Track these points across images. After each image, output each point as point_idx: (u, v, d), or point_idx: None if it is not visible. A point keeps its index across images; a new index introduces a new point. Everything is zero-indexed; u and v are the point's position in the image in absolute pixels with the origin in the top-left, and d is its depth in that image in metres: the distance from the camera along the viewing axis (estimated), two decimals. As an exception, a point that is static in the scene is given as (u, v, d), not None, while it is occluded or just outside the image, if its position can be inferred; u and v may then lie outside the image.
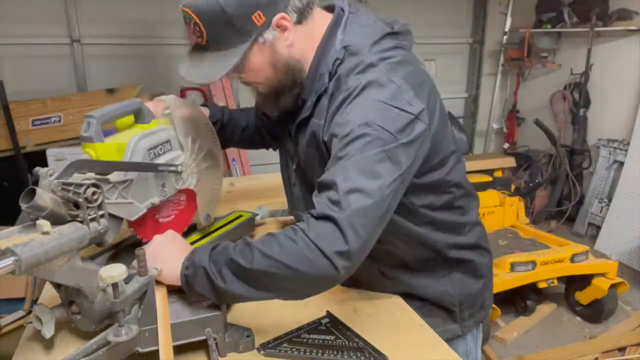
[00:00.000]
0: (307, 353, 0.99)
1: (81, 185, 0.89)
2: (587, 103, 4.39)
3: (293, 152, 1.21)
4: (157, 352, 0.88)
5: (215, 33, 0.99)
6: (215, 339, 0.95)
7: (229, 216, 1.47)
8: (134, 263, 0.98)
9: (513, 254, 2.97)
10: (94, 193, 0.91)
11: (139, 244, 1.24)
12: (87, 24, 4.10)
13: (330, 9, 1.12)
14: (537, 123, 4.45)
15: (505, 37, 5.08)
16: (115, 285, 0.91)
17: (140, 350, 0.92)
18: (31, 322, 0.97)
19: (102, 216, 0.94)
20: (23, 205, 0.86)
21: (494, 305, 2.60)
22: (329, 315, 1.12)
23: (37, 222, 0.86)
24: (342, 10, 1.09)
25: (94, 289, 0.93)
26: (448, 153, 1.11)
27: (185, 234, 1.33)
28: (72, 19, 4.04)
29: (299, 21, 1.04)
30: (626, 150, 4.02)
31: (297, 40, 1.04)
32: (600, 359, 2.69)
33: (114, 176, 1.01)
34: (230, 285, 0.91)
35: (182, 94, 3.94)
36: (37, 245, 0.82)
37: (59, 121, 3.48)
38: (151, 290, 0.94)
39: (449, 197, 1.14)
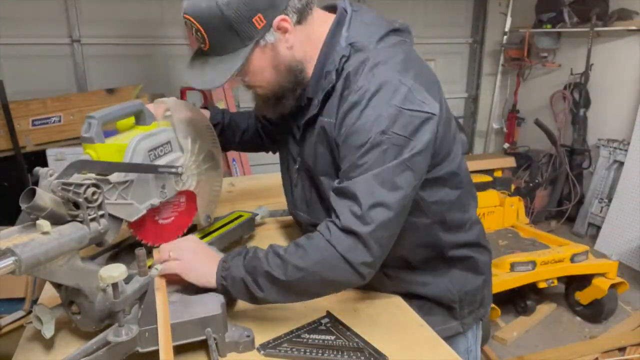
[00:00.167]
0: (307, 353, 0.99)
1: (81, 185, 0.89)
2: (587, 103, 4.39)
3: (296, 152, 1.21)
4: (157, 352, 0.88)
5: (217, 38, 1.00)
6: (215, 339, 0.95)
7: (229, 216, 1.47)
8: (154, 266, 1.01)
9: (513, 254, 2.97)
10: (94, 193, 0.91)
11: (139, 244, 1.24)
12: (87, 24, 4.11)
13: (331, 9, 1.13)
14: (537, 123, 4.45)
15: (505, 37, 5.08)
16: (115, 286, 0.91)
17: (140, 350, 0.92)
18: (31, 322, 0.97)
19: (102, 216, 0.94)
20: (23, 205, 0.86)
21: (494, 305, 2.61)
22: (329, 315, 1.12)
23: (37, 222, 0.86)
24: (345, 10, 1.10)
25: (94, 289, 0.93)
26: (453, 146, 1.13)
27: (186, 234, 1.33)
28: (72, 19, 4.05)
29: (299, 21, 1.04)
30: (626, 150, 4.02)
31: (297, 41, 1.05)
32: (600, 359, 2.69)
33: (114, 177, 1.01)
34: (267, 294, 1.00)
35: (183, 94, 3.94)
36: (37, 245, 0.82)
37: (59, 121, 3.48)
38: (151, 290, 0.94)
39: (457, 193, 1.15)
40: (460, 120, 5.60)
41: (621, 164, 4.09)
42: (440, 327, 1.16)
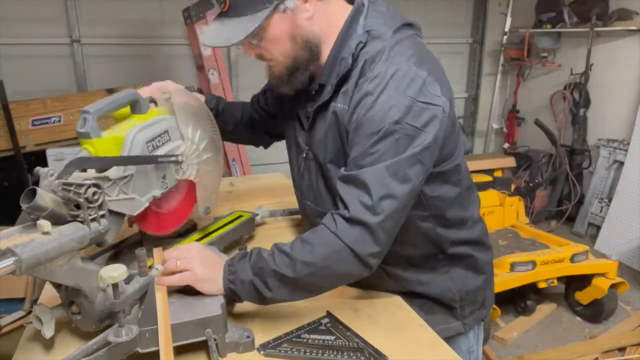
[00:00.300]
0: (307, 353, 0.99)
1: (82, 185, 0.89)
2: (587, 103, 4.39)
3: (304, 141, 1.21)
4: (157, 352, 0.88)
5: None
6: (215, 339, 0.95)
7: (229, 216, 1.47)
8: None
9: (513, 254, 2.97)
10: (94, 193, 0.91)
11: (140, 244, 1.25)
12: (87, 24, 4.10)
13: (349, 1, 1.13)
14: (537, 123, 4.45)
15: (505, 37, 5.08)
16: (115, 286, 0.91)
17: (140, 350, 0.92)
18: (31, 322, 0.97)
19: (102, 216, 0.94)
20: (23, 206, 0.86)
21: (494, 305, 2.60)
22: (329, 315, 1.12)
23: (38, 222, 0.86)
24: (362, 3, 1.11)
25: (94, 289, 0.93)
26: (457, 144, 1.14)
27: (185, 234, 1.33)
28: (72, 19, 4.05)
29: None
30: (626, 150, 4.02)
31: (316, 14, 1.06)
32: (600, 359, 2.69)
33: (114, 173, 1.00)
34: (276, 293, 1.01)
35: (182, 93, 3.93)
36: (37, 245, 0.82)
37: (59, 121, 3.48)
38: (151, 290, 0.94)
39: (459, 190, 1.16)
40: (460, 120, 5.59)
41: (621, 164, 4.08)
42: (441, 326, 1.17)
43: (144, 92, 1.19)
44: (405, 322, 1.12)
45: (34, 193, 0.84)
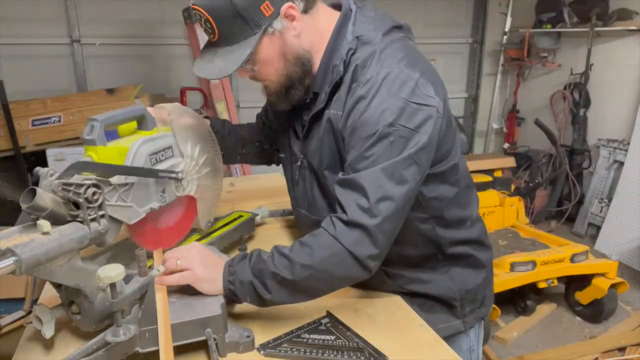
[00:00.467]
0: (307, 353, 0.99)
1: (82, 185, 0.89)
2: (587, 103, 4.39)
3: (299, 150, 1.22)
4: (157, 352, 0.88)
5: (226, 27, 1.01)
6: (215, 339, 0.95)
7: (229, 216, 1.47)
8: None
9: (513, 254, 2.97)
10: (94, 193, 0.91)
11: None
12: (87, 24, 4.11)
13: (335, 7, 1.14)
14: (537, 123, 4.45)
15: (505, 37, 5.08)
16: (113, 286, 0.92)
17: (140, 350, 0.92)
18: (31, 322, 0.97)
19: (102, 216, 0.94)
20: (23, 206, 0.86)
21: (494, 305, 2.60)
22: (329, 315, 1.12)
23: (38, 222, 0.86)
24: (350, 9, 1.11)
25: (94, 289, 0.93)
26: (454, 144, 1.14)
27: (186, 235, 1.33)
28: (72, 19, 4.05)
29: (305, 10, 1.05)
30: (626, 150, 4.02)
31: (304, 30, 1.06)
32: (600, 359, 2.69)
33: (115, 178, 1.01)
34: (275, 295, 1.01)
35: (182, 94, 3.94)
36: (37, 245, 0.82)
37: (59, 121, 3.48)
38: (151, 290, 0.94)
39: (457, 190, 1.16)
40: (460, 120, 5.60)
41: (621, 164, 4.08)
42: (442, 325, 1.18)
43: (149, 112, 1.20)
44: (405, 322, 1.12)
45: (34, 193, 0.84)
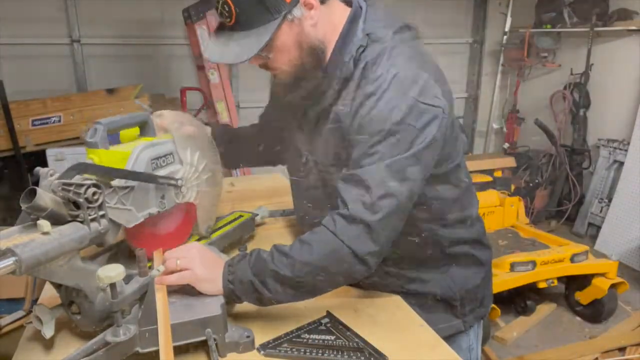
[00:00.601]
0: (307, 353, 0.99)
1: (82, 185, 0.89)
2: (587, 103, 4.39)
3: (304, 146, 1.21)
4: (157, 352, 0.88)
5: (245, 11, 0.99)
6: (215, 339, 0.95)
7: (229, 216, 1.47)
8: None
9: (513, 254, 2.97)
10: (94, 193, 0.91)
11: (139, 244, 1.24)
12: (87, 24, 4.10)
13: (346, 3, 1.13)
14: (537, 123, 4.45)
15: (505, 37, 5.07)
16: (113, 286, 0.92)
17: (140, 350, 0.92)
18: (31, 322, 0.97)
19: (102, 216, 0.94)
20: (23, 206, 0.86)
21: (494, 305, 2.61)
22: (329, 315, 1.12)
23: (38, 222, 0.86)
24: (360, 6, 1.11)
25: (94, 289, 0.93)
26: (456, 144, 1.14)
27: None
28: (72, 19, 4.05)
29: (322, 1, 1.05)
30: (626, 150, 4.02)
31: (320, 20, 1.05)
32: (600, 359, 2.69)
33: (116, 181, 1.01)
34: (275, 294, 1.01)
35: (182, 94, 3.93)
36: (37, 245, 0.82)
37: (59, 121, 3.48)
38: (151, 290, 0.94)
39: (459, 190, 1.16)
40: (460, 120, 5.59)
41: (621, 164, 4.08)
42: (442, 325, 1.18)
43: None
44: (405, 321, 1.12)
45: (34, 193, 0.84)
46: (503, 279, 2.77)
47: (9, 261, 0.78)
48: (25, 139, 3.43)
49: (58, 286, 0.98)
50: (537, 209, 4.47)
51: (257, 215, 1.53)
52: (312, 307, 1.12)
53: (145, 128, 1.16)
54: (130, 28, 4.22)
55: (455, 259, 1.21)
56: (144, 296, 0.96)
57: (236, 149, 1.44)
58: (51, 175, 0.93)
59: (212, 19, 3.33)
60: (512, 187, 3.87)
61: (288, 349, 1.00)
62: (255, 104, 4.20)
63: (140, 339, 0.92)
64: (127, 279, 0.99)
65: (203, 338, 0.95)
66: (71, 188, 0.89)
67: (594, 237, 4.14)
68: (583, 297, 3.03)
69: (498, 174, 4.23)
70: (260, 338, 1.02)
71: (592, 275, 2.95)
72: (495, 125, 5.45)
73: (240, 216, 1.48)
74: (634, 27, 4.00)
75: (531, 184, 4.30)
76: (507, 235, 3.36)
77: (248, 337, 0.99)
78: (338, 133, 1.09)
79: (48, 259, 0.84)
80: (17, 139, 3.37)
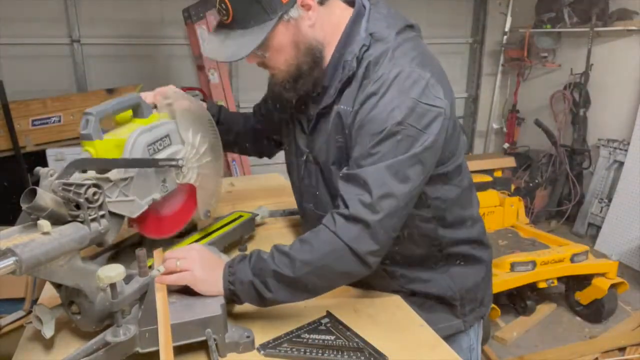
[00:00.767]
0: (307, 353, 0.99)
1: (82, 185, 0.89)
2: (587, 103, 4.39)
3: (304, 144, 1.21)
4: (157, 352, 0.88)
5: (242, 10, 1.00)
6: (215, 339, 0.95)
7: (229, 216, 1.47)
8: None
9: (513, 254, 2.97)
10: (94, 193, 0.91)
11: (140, 244, 1.25)
12: (87, 24, 4.10)
13: (349, 3, 1.14)
14: (537, 123, 4.45)
15: (505, 37, 5.08)
16: (113, 286, 0.92)
17: (140, 350, 0.92)
18: (31, 322, 0.97)
19: (102, 216, 0.94)
20: (24, 206, 0.86)
21: (494, 305, 2.61)
22: (329, 315, 1.12)
23: (38, 222, 0.86)
24: (363, 5, 1.11)
25: (94, 289, 0.93)
26: (458, 145, 1.14)
27: (186, 234, 1.33)
28: (72, 19, 4.05)
29: (321, 2, 1.05)
30: (626, 150, 4.02)
31: (319, 21, 1.06)
32: (600, 359, 2.69)
33: (114, 174, 1.01)
34: (276, 294, 1.01)
35: (182, 93, 3.93)
36: (37, 245, 0.82)
37: (59, 121, 3.49)
38: (151, 290, 0.94)
39: (459, 190, 1.16)
40: (460, 120, 5.58)
41: (621, 164, 4.08)
42: (442, 324, 1.18)
43: (146, 97, 1.19)
44: (405, 321, 1.12)
45: (34, 193, 0.84)
46: (503, 279, 2.77)
47: (9, 261, 0.78)
48: (25, 139, 3.43)
49: (58, 286, 0.98)
50: (537, 209, 4.47)
51: (257, 215, 1.53)
52: (312, 307, 1.12)
53: (138, 110, 1.14)
54: (130, 28, 4.22)
55: (456, 258, 1.21)
56: (144, 296, 0.96)
57: (226, 131, 1.42)
58: (51, 175, 0.93)
59: (212, 19, 3.33)
60: (512, 187, 3.87)
61: (288, 349, 1.00)
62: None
63: (140, 339, 0.92)
64: (127, 279, 0.99)
65: (203, 338, 0.95)
66: (71, 188, 0.89)
67: (594, 237, 4.14)
68: (583, 297, 3.04)
69: (498, 174, 4.23)
70: (260, 338, 1.02)
71: (592, 275, 2.95)
72: (495, 125, 5.45)
73: (240, 216, 1.48)
74: (633, 27, 4.00)
75: (531, 184, 4.30)
76: (507, 235, 3.36)
77: (248, 337, 0.99)
78: (340, 132, 1.09)
79: (48, 259, 0.84)
80: (17, 139, 3.37)
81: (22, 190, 0.86)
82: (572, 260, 2.93)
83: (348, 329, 1.07)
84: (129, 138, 1.05)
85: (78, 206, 0.90)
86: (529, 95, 5.08)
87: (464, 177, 1.18)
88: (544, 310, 3.14)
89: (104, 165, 0.99)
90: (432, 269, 1.21)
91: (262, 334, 1.03)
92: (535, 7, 4.68)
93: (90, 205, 0.91)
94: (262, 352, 0.99)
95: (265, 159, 1.61)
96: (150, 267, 1.07)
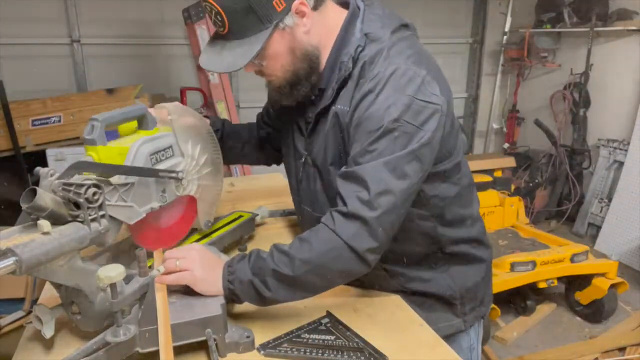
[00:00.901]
0: (307, 353, 0.99)
1: (82, 185, 0.89)
2: (587, 103, 4.39)
3: (303, 147, 1.22)
4: (157, 352, 0.88)
5: (237, 21, 1.01)
6: (215, 339, 0.95)
7: (229, 216, 1.47)
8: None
9: (513, 254, 2.97)
10: (94, 193, 0.91)
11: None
12: (87, 24, 4.10)
13: (343, 5, 1.14)
14: (537, 123, 4.45)
15: (505, 37, 5.07)
16: (113, 286, 0.92)
17: (140, 350, 0.92)
18: (31, 322, 0.97)
19: (102, 216, 0.94)
20: (24, 206, 0.86)
21: (494, 305, 2.61)
22: (329, 315, 1.12)
23: (38, 222, 0.86)
24: (358, 7, 1.12)
25: (94, 289, 0.93)
26: (456, 143, 1.14)
27: (186, 235, 1.33)
28: (72, 19, 4.05)
29: (315, 7, 1.06)
30: (626, 150, 4.02)
31: (313, 27, 1.06)
32: (600, 359, 2.69)
33: (115, 178, 1.01)
34: (275, 293, 1.01)
35: (182, 94, 3.94)
36: (37, 245, 0.82)
37: (59, 121, 3.48)
38: (151, 290, 0.94)
39: (458, 188, 1.17)
40: (460, 120, 5.59)
41: (621, 164, 4.08)
42: (442, 324, 1.18)
43: (150, 112, 1.20)
44: (405, 321, 1.12)
45: (34, 193, 0.84)
46: (503, 279, 2.77)
47: (9, 261, 0.78)
48: (25, 139, 3.43)
49: (58, 286, 0.98)
50: (537, 209, 4.47)
51: (257, 215, 1.53)
52: (312, 307, 1.12)
53: (143, 121, 1.15)
54: (130, 28, 4.22)
55: (456, 257, 1.21)
56: (144, 296, 0.96)
57: (233, 145, 1.44)
58: (51, 175, 0.93)
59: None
60: (512, 187, 3.87)
61: (288, 349, 1.00)
62: (255, 104, 4.20)
63: (140, 339, 0.92)
64: (127, 279, 0.99)
65: (203, 338, 0.95)
66: (71, 188, 0.89)
67: (594, 237, 4.14)
68: (583, 297, 3.04)
69: (498, 174, 4.23)
70: (260, 338, 1.02)
71: (592, 275, 2.95)
72: (495, 125, 5.45)
73: (240, 216, 1.48)
74: (634, 27, 4.00)
75: (531, 184, 4.30)
76: (507, 235, 3.36)
77: (248, 337, 0.99)
78: (337, 132, 1.10)
79: (48, 259, 0.84)
80: (17, 139, 3.37)
81: (22, 190, 0.86)
82: (572, 260, 2.93)
83: (348, 328, 1.07)
84: (132, 145, 1.06)
85: (78, 206, 0.91)
86: (529, 95, 5.08)
87: (463, 175, 1.18)
88: (544, 310, 3.14)
89: (104, 170, 0.99)
90: (432, 268, 1.21)
91: (262, 334, 1.03)
92: (535, 7, 4.68)
93: (90, 205, 0.91)
94: (262, 352, 0.99)
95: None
96: (150, 267, 1.07)
